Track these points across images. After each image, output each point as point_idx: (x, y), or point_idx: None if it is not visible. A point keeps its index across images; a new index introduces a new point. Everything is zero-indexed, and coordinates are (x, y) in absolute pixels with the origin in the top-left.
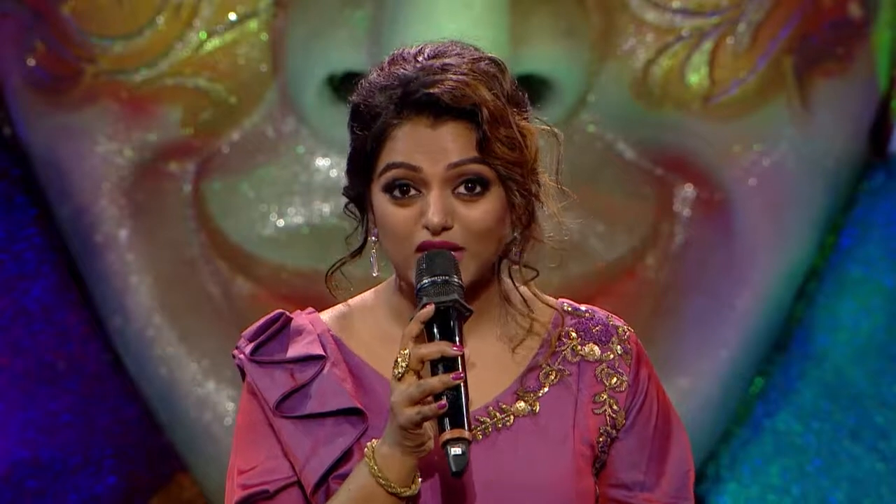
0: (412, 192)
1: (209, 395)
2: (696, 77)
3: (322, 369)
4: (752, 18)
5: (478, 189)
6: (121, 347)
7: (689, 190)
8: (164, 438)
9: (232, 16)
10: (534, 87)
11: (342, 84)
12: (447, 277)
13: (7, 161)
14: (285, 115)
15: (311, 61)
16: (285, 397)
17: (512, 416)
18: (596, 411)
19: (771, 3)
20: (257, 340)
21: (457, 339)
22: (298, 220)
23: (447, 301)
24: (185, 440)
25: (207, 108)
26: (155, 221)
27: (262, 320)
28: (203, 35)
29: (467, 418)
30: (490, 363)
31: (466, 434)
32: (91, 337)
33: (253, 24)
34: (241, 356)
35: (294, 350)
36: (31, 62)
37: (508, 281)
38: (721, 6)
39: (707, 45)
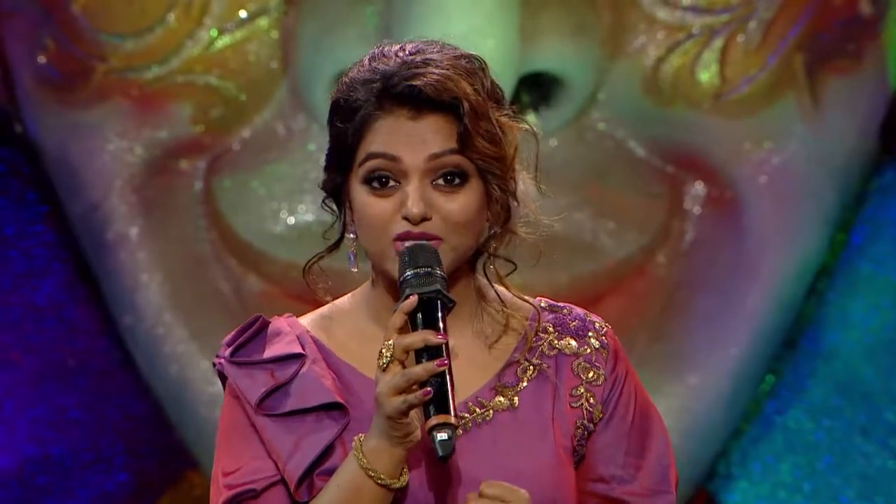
0: (391, 183)
1: (220, 393)
2: (707, 75)
3: (301, 367)
4: (763, 16)
5: (457, 181)
6: (131, 345)
7: (699, 187)
8: (175, 436)
9: (242, 13)
10: (544, 85)
11: None
12: (430, 269)
13: (18, 158)
14: (296, 113)
15: (321, 58)
16: (266, 395)
17: (491, 411)
18: (573, 405)
19: (781, 0)
20: (236, 343)
21: (441, 328)
22: (309, 217)
23: (430, 291)
24: (195, 438)
25: (218, 106)
26: (165, 219)
27: (239, 326)
28: (214, 33)
29: (453, 404)
30: (467, 359)
31: (452, 419)
32: (101, 334)
33: (263, 22)
34: (221, 360)
35: (273, 350)
36: (42, 60)
37: (484, 279)
38: (732, 4)
39: (718, 43)
